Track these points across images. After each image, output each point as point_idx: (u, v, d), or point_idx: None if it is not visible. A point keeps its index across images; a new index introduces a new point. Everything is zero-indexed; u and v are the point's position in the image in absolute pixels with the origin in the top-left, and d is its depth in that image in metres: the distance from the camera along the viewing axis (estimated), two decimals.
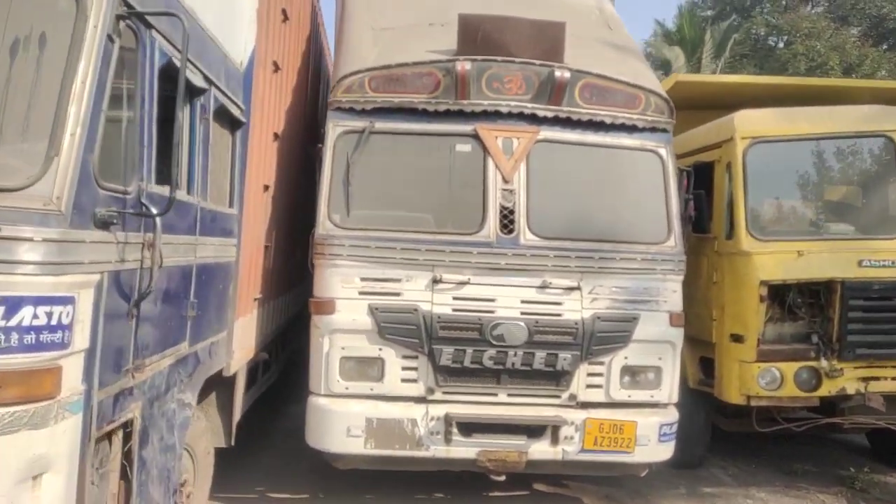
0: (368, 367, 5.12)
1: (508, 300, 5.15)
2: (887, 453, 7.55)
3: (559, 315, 5.17)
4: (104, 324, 2.97)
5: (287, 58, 6.43)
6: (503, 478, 5.49)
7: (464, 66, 5.21)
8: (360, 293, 5.11)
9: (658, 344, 5.33)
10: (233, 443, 5.26)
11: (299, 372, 6.00)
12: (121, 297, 3.16)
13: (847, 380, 6.16)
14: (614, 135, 5.48)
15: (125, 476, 3.41)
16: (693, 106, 7.12)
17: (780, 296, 6.28)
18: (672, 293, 5.40)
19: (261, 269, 5.77)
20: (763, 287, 6.13)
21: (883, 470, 7.27)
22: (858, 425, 6.68)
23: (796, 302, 6.29)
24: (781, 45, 23.03)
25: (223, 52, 4.51)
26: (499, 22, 5.35)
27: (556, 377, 5.18)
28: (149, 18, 3.22)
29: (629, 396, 5.30)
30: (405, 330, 5.08)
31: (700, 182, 6.13)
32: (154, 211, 3.28)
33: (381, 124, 5.28)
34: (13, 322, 2.57)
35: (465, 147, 5.37)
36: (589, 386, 5.25)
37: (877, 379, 6.21)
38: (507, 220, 5.23)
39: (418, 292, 5.11)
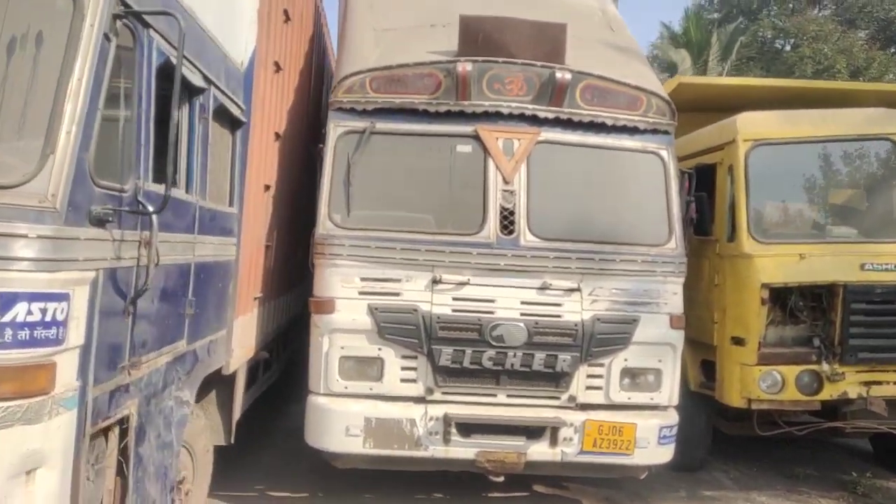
0: (368, 367, 5.14)
1: (508, 301, 5.15)
2: (890, 458, 7.51)
3: (559, 316, 5.17)
4: (99, 321, 2.98)
5: (289, 58, 6.44)
6: (502, 479, 5.47)
7: (465, 67, 5.22)
8: (360, 293, 5.13)
9: (658, 346, 5.32)
10: (233, 441, 5.27)
11: (300, 371, 6.00)
12: (117, 295, 3.18)
13: (849, 384, 6.13)
14: (615, 136, 5.47)
15: (121, 472, 3.42)
16: (697, 108, 7.10)
17: (782, 299, 6.25)
18: (672, 295, 5.39)
19: (261, 268, 5.78)
20: (764, 290, 6.11)
21: (885, 475, 7.22)
22: (861, 429, 6.66)
23: (798, 305, 6.26)
24: (788, 48, 22.93)
25: (223, 52, 4.52)
26: (500, 23, 5.36)
27: (556, 378, 5.18)
28: (146, 18, 3.24)
29: (629, 398, 5.30)
30: (405, 330, 5.09)
31: (702, 184, 6.12)
32: (150, 209, 3.29)
33: (381, 125, 5.29)
34: (7, 318, 2.59)
35: (465, 148, 5.38)
36: (588, 387, 5.25)
37: (879, 383, 6.18)
38: (508, 221, 5.23)
39: (418, 292, 5.12)
